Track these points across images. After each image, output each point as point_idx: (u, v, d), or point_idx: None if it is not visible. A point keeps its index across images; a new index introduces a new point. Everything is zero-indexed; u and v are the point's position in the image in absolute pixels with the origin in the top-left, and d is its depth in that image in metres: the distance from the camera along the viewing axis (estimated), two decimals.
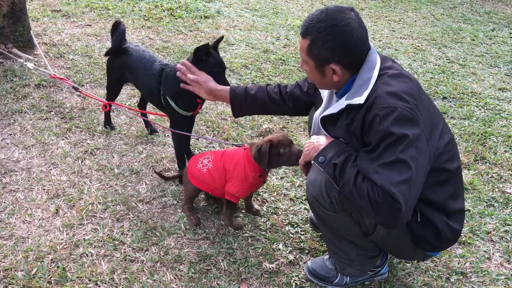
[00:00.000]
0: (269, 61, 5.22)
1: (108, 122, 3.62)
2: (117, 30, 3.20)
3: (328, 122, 2.15)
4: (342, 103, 2.04)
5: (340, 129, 2.08)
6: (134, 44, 3.28)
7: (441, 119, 2.10)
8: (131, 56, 3.18)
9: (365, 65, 2.03)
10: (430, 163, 1.96)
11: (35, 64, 4.14)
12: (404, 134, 1.83)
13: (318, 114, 2.29)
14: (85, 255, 2.49)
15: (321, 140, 2.14)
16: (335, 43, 1.98)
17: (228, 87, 2.65)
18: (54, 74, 3.85)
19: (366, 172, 1.88)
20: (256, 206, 2.95)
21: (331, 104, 2.23)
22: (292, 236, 2.79)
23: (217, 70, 2.78)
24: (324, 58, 2.03)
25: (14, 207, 2.76)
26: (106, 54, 3.34)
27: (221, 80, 2.75)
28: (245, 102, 2.62)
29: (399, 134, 1.83)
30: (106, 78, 3.49)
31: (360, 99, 1.96)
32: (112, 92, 3.52)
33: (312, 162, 2.14)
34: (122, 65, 3.24)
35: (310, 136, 2.31)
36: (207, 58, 2.76)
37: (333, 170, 2.00)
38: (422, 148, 1.88)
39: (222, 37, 2.89)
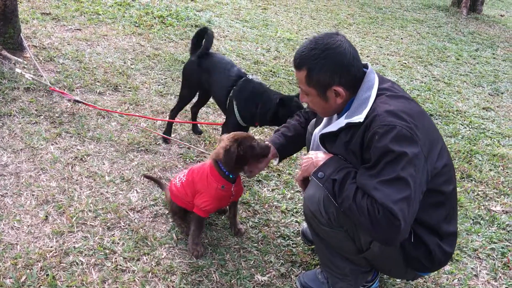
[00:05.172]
0: (260, 73, 5.24)
1: (168, 131, 3.69)
2: (207, 36, 3.38)
3: (327, 140, 2.18)
4: (342, 121, 2.07)
5: (338, 147, 2.10)
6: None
7: (440, 141, 2.13)
8: (213, 58, 3.41)
9: (364, 84, 2.07)
10: (427, 182, 1.99)
11: (33, 75, 4.08)
12: (404, 152, 1.86)
13: (318, 131, 2.31)
14: (75, 263, 2.44)
15: (319, 156, 2.16)
16: (332, 65, 2.02)
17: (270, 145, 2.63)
18: (53, 87, 3.82)
19: (366, 189, 1.90)
20: (239, 226, 2.83)
21: (331, 122, 2.25)
22: (283, 248, 2.79)
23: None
24: (324, 83, 2.06)
25: (2, 212, 2.70)
26: (198, 57, 3.41)
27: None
28: (289, 146, 2.67)
29: (398, 152, 1.86)
30: (181, 85, 3.61)
31: (359, 117, 1.99)
32: (184, 100, 3.64)
33: (311, 177, 2.15)
34: (204, 68, 3.39)
35: (308, 151, 2.32)
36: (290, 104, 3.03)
37: (332, 186, 2.02)
38: (420, 167, 1.91)
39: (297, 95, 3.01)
